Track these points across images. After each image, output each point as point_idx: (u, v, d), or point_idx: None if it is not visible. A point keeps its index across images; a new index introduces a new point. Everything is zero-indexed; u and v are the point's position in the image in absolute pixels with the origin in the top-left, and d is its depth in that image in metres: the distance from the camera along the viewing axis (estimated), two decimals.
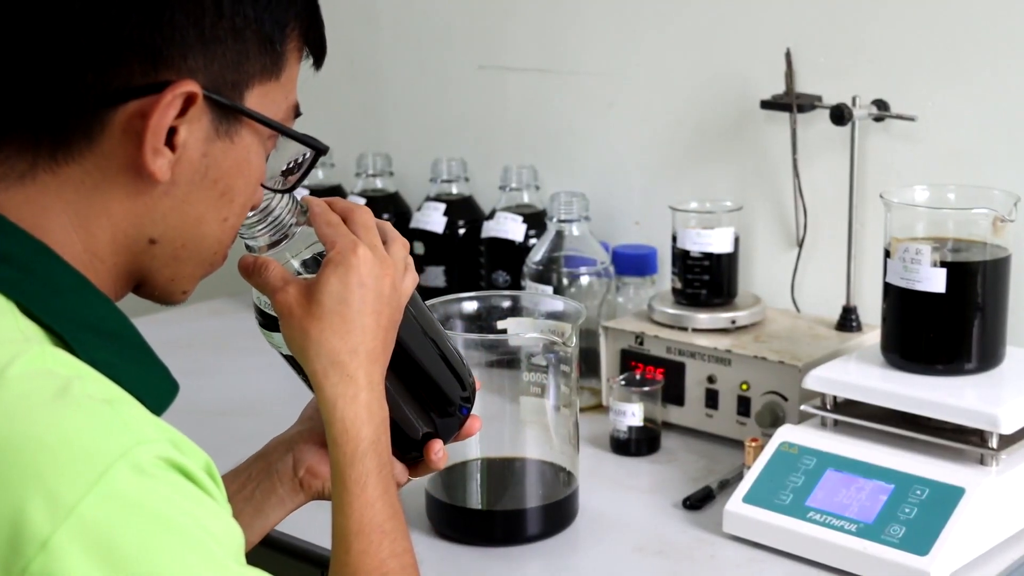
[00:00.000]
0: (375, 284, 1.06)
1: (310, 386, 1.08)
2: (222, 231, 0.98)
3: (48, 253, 0.91)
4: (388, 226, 1.12)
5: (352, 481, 1.04)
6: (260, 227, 1.07)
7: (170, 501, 0.81)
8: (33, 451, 0.79)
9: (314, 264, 1.08)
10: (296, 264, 1.09)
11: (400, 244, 1.11)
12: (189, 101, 0.90)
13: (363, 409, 1.05)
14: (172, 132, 0.91)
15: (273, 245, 1.08)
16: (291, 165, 1.05)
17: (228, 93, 0.93)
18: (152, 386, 0.92)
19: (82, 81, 0.89)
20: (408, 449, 1.16)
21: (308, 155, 1.04)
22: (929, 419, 1.44)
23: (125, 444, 0.80)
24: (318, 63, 1.02)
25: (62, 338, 0.88)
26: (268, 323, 1.10)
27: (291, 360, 1.10)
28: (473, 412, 1.19)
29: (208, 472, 0.86)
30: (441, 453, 1.17)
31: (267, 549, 1.40)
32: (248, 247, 1.09)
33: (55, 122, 0.90)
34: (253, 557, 0.88)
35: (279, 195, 1.06)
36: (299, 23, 0.97)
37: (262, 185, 1.02)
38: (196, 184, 0.94)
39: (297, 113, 1.01)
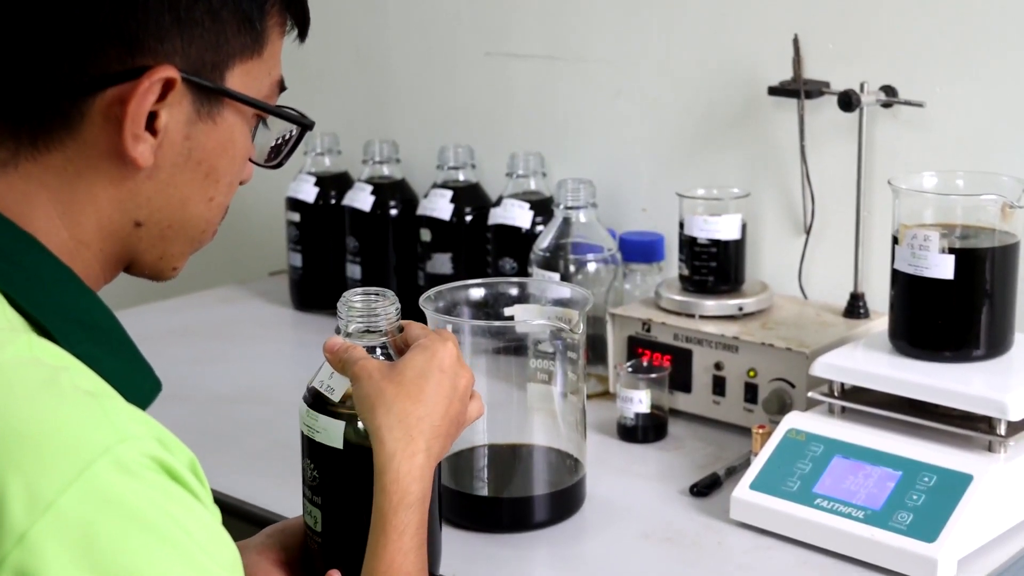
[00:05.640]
0: (452, 376, 1.09)
1: (307, 482, 1.11)
2: (208, 210, 0.97)
3: (34, 244, 0.90)
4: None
5: (392, 527, 1.04)
6: (360, 319, 1.13)
7: (153, 502, 0.80)
8: (16, 441, 0.78)
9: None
10: (378, 354, 1.14)
11: (476, 391, 1.15)
12: (168, 85, 0.89)
13: (417, 469, 1.06)
14: (153, 117, 0.90)
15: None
16: (278, 141, 1.04)
17: (208, 75, 0.92)
18: (135, 382, 0.91)
19: (59, 70, 0.88)
20: None
21: (295, 131, 1.03)
22: (937, 406, 1.44)
23: (109, 440, 0.80)
24: (302, 35, 1.01)
25: (46, 330, 0.87)
26: (317, 404, 1.13)
27: (309, 443, 1.13)
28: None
29: (192, 470, 0.85)
30: None
31: (239, 521, 1.41)
32: (337, 329, 1.14)
33: (34, 111, 0.90)
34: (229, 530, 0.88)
35: (388, 302, 1.13)
36: None
37: (250, 160, 1.01)
38: (180, 167, 0.93)
39: (282, 88, 1.00)
